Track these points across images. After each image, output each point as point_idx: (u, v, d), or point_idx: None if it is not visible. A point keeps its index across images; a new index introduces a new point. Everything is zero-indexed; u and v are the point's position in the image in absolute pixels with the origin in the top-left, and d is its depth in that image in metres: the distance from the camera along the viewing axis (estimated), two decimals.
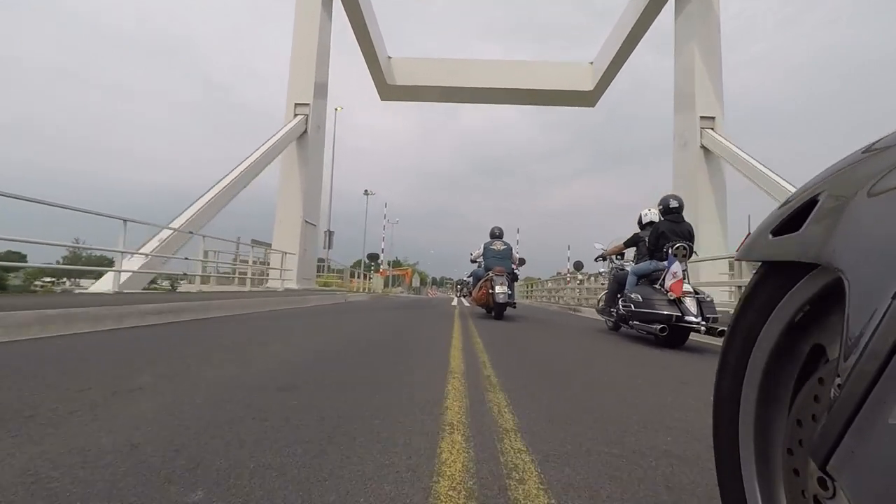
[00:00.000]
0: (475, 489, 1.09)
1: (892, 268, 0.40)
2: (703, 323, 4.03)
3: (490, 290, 6.70)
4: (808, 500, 0.48)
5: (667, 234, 4.55)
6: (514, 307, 7.79)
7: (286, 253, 12.62)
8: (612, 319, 5.45)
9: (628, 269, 5.18)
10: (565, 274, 9.97)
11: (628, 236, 5.51)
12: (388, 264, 53.28)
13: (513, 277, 7.36)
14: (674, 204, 4.71)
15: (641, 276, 4.82)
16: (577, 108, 21.64)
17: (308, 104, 14.41)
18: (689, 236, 4.57)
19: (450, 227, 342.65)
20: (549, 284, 19.75)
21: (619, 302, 5.04)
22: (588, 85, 18.53)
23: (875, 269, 0.41)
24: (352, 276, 22.84)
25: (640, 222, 5.52)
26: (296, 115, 14.31)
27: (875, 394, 0.38)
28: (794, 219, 0.53)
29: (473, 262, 8.34)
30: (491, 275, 6.88)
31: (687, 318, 4.05)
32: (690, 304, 4.12)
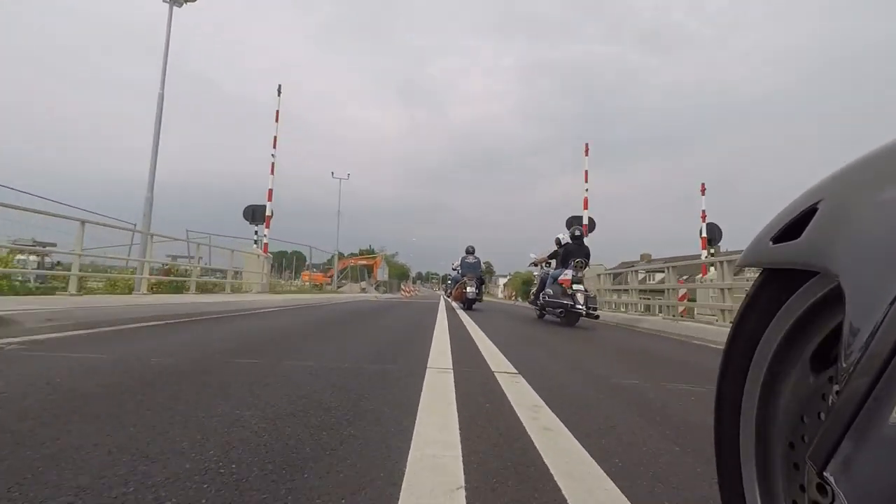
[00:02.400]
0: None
1: (889, 274, 0.40)
2: (585, 309, 6.37)
3: (464, 290, 10.04)
4: None
5: (573, 252, 7.10)
6: (481, 301, 10.66)
7: None
8: (539, 309, 7.85)
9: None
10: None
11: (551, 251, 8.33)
12: (358, 252, 42.81)
13: (480, 281, 10.46)
14: (577, 233, 7.40)
15: (556, 279, 7.14)
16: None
17: None
18: (586, 255, 7.14)
19: (441, 223, 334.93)
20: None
21: (541, 295, 7.50)
22: None
23: (873, 275, 0.41)
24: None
25: (558, 242, 7.83)
26: None
27: (873, 399, 0.38)
28: (794, 226, 0.54)
29: (454, 269, 12.12)
30: (465, 279, 10.20)
31: (577, 306, 6.40)
32: (580, 297, 6.45)
